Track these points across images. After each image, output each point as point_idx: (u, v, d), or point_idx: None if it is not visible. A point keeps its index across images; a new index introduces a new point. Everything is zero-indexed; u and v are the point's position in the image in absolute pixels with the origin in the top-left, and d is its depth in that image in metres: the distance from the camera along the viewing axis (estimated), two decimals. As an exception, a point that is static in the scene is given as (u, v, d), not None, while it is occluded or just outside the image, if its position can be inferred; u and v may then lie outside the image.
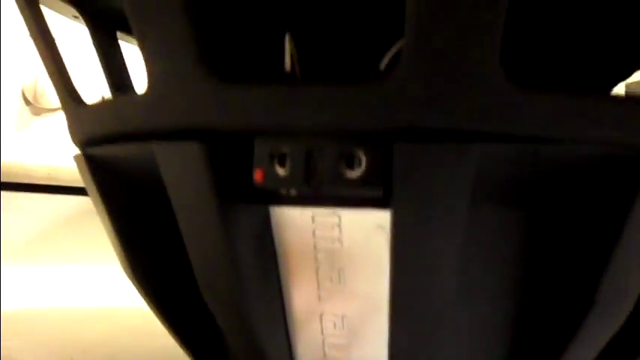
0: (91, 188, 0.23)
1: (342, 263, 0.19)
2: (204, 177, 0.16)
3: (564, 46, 0.22)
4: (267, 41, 0.19)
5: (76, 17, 0.37)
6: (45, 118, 0.59)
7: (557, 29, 0.21)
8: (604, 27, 0.21)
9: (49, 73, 0.22)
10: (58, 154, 0.58)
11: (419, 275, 0.17)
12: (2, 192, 0.58)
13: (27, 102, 0.58)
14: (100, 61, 0.32)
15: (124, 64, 0.33)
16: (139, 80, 0.24)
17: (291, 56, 0.17)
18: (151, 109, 0.16)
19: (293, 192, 0.16)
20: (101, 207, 0.22)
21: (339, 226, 0.18)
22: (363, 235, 0.18)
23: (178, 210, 0.18)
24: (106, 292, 0.56)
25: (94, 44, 0.33)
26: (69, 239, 0.60)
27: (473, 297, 0.19)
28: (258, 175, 0.16)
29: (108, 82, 0.33)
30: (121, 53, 0.33)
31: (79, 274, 0.59)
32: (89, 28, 0.34)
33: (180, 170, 0.17)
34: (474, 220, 0.16)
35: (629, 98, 0.14)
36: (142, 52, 0.16)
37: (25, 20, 0.25)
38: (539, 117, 0.13)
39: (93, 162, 0.21)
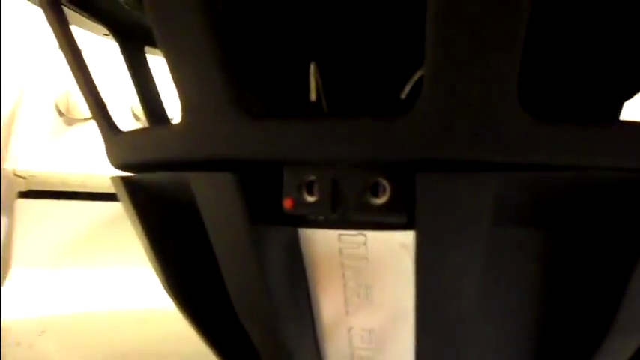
0: (128, 208, 0.24)
1: (368, 279, 0.20)
2: (237, 204, 0.17)
3: (573, 67, 0.23)
4: (293, 70, 0.20)
5: (106, 35, 0.39)
6: (78, 127, 0.61)
7: (567, 52, 0.22)
8: (611, 49, 0.22)
9: (86, 101, 0.23)
10: (91, 162, 0.60)
11: (443, 291, 0.18)
12: (39, 200, 0.60)
13: (60, 113, 0.60)
14: (130, 72, 0.34)
15: (151, 75, 0.34)
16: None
17: (317, 85, 0.18)
18: (184, 141, 0.17)
19: (321, 217, 0.17)
20: (138, 225, 0.24)
21: (365, 244, 0.19)
22: (388, 252, 0.19)
23: (212, 232, 0.19)
24: (140, 295, 0.58)
25: (123, 58, 0.35)
26: (104, 243, 0.62)
27: (496, 311, 0.19)
28: (287, 203, 0.17)
29: (137, 92, 0.35)
30: (148, 65, 0.35)
31: (115, 278, 0.61)
32: (119, 44, 0.36)
33: (214, 198, 0.18)
34: (495, 239, 0.17)
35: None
36: (175, 84, 0.17)
37: (62, 49, 0.26)
38: (556, 147, 0.14)
39: (129, 185, 0.22)
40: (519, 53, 0.13)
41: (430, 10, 0.13)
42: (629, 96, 0.26)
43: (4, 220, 0.59)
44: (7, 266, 0.58)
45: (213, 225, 0.19)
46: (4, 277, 0.57)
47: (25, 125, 0.59)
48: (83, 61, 0.26)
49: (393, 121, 0.14)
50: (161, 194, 0.22)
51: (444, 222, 0.15)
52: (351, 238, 0.19)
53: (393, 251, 0.19)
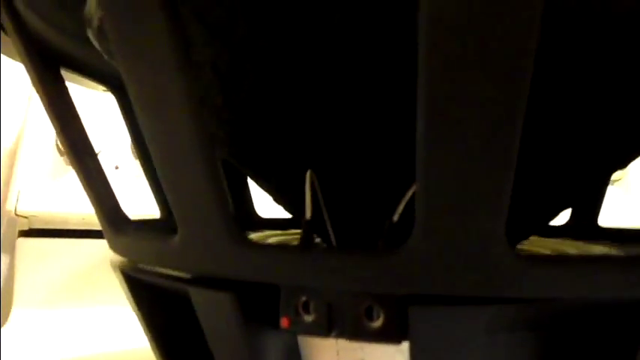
0: (125, 293, 0.24)
1: (365, 380, 0.20)
2: (235, 319, 0.18)
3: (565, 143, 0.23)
4: (290, 179, 0.20)
5: (105, 90, 0.40)
6: (78, 167, 0.62)
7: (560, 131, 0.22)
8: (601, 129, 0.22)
9: (88, 197, 0.23)
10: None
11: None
12: (40, 238, 0.61)
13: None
14: (127, 125, 0.34)
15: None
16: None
17: (316, 192, 0.18)
18: (181, 257, 0.18)
19: (317, 335, 0.17)
20: (136, 312, 0.24)
21: (361, 349, 0.19)
22: (384, 356, 0.19)
23: (210, 336, 0.19)
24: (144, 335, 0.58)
25: (120, 110, 0.36)
26: (108, 282, 0.62)
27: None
28: (284, 322, 0.17)
29: (134, 145, 0.36)
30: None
31: (115, 316, 0.61)
32: (116, 98, 0.37)
33: (212, 311, 0.18)
34: (488, 344, 0.17)
35: (625, 259, 0.15)
36: (169, 200, 0.17)
37: (61, 141, 0.26)
38: (542, 284, 0.14)
39: (128, 277, 0.23)
40: (508, 197, 0.14)
41: (419, 163, 0.13)
42: (619, 168, 0.27)
43: (4, 259, 0.59)
44: (9, 307, 0.59)
45: (211, 330, 0.19)
46: (5, 319, 0.57)
47: (25, 165, 0.59)
48: (94, 155, 0.27)
49: (385, 257, 0.15)
50: (159, 287, 0.22)
51: (438, 345, 0.16)
52: (349, 343, 0.19)
53: (389, 355, 0.19)
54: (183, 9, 0.19)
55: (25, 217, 0.59)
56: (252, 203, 0.43)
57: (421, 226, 0.14)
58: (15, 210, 0.58)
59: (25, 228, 0.60)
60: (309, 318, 0.17)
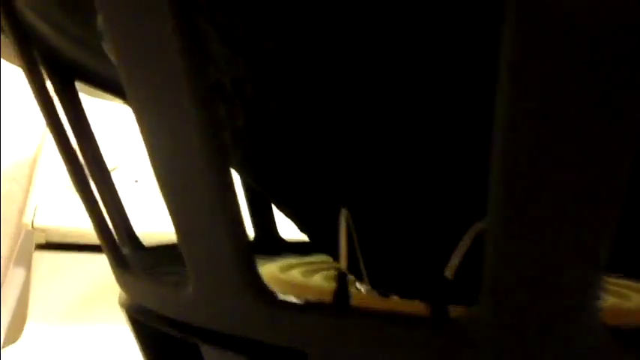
0: (131, 331, 0.22)
1: None
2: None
3: None
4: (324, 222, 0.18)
5: (124, 102, 0.38)
6: (97, 180, 0.60)
7: None
8: None
9: (96, 232, 0.21)
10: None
11: None
12: (57, 252, 0.59)
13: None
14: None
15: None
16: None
17: (352, 237, 0.16)
18: (195, 310, 0.15)
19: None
20: (140, 348, 0.22)
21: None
22: None
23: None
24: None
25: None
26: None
27: None
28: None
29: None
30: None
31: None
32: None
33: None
34: None
35: None
36: (182, 250, 0.15)
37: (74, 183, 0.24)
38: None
39: (135, 321, 0.20)
40: (605, 261, 0.11)
41: (491, 234, 0.11)
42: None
43: (20, 272, 0.58)
44: (23, 321, 0.57)
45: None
46: (19, 333, 0.56)
47: (43, 178, 0.58)
48: (111, 182, 0.25)
49: (440, 328, 0.12)
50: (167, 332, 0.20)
51: None
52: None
53: None
54: (205, 24, 0.17)
55: (42, 231, 0.58)
56: (275, 226, 0.41)
57: (490, 292, 0.11)
58: (32, 223, 0.57)
59: (42, 241, 0.59)
60: (341, 390, 0.14)
